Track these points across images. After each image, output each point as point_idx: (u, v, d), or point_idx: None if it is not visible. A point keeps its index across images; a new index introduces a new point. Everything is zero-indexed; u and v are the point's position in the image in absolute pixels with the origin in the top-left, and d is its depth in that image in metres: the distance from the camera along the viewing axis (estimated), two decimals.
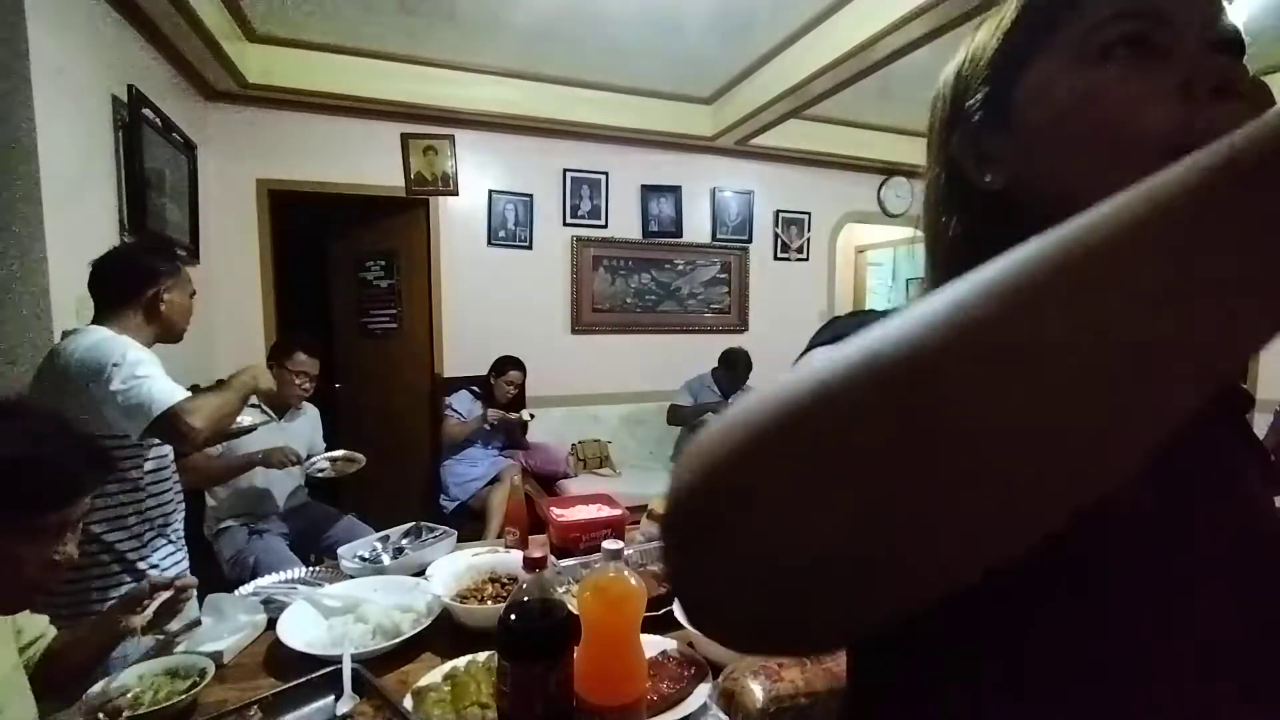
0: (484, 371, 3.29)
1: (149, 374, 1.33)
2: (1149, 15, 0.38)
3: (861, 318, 0.46)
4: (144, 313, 1.46)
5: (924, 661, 0.41)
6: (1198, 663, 0.36)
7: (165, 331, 1.51)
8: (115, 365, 1.30)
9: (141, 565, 1.43)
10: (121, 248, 1.59)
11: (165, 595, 1.02)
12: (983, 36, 0.46)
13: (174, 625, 1.06)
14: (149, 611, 0.98)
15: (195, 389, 2.57)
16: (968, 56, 0.47)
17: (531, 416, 3.30)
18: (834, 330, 0.44)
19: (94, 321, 1.43)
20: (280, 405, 2.33)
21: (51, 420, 0.90)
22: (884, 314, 0.46)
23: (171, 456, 1.56)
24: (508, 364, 3.25)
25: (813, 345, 0.45)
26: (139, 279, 1.45)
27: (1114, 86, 0.38)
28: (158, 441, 1.46)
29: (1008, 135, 0.44)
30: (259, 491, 2.25)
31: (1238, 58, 0.39)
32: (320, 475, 2.24)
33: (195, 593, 1.12)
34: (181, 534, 1.58)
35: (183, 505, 1.59)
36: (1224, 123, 0.31)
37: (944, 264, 0.48)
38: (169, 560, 1.52)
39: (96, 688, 0.91)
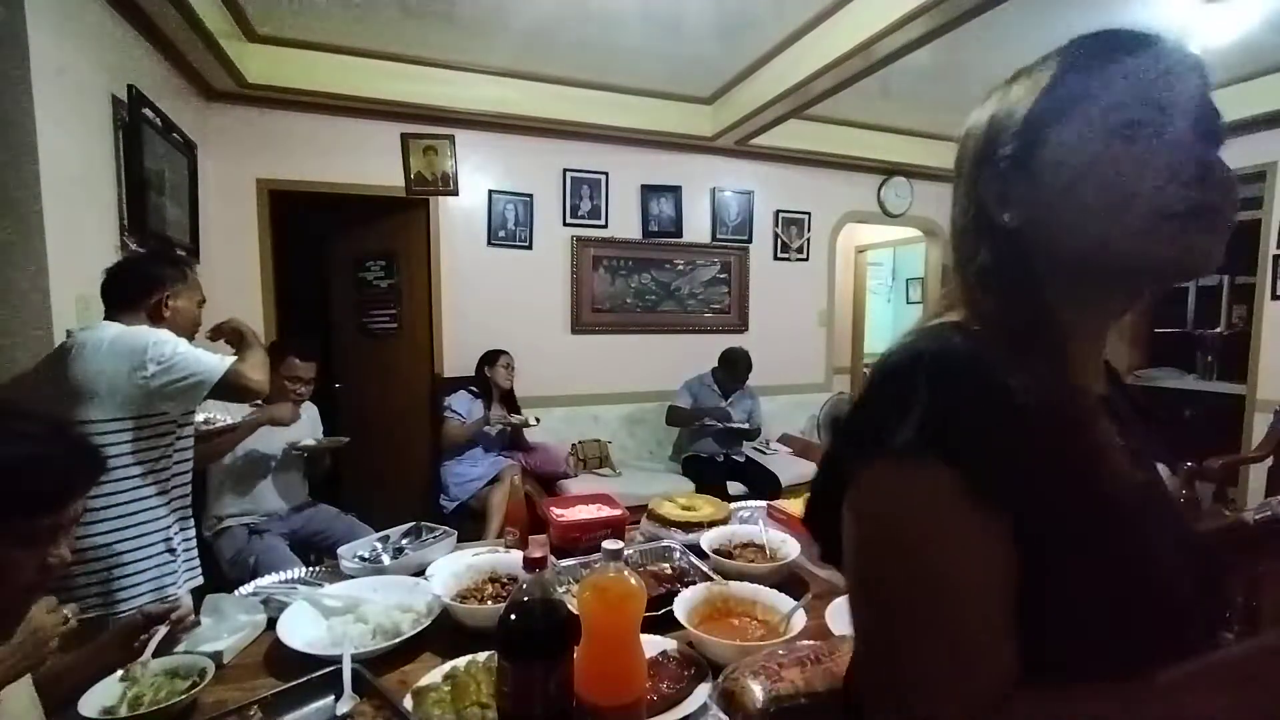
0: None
1: (187, 350, 1.43)
2: (1155, 105, 0.47)
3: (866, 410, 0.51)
4: (149, 317, 1.51)
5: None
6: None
7: None
8: (155, 345, 1.38)
9: (162, 547, 1.47)
10: (133, 255, 1.66)
11: (163, 632, 1.00)
12: (1018, 93, 0.53)
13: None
14: (148, 653, 0.95)
15: None
16: (1003, 107, 0.54)
17: (537, 421, 3.31)
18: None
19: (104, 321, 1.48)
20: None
21: (40, 421, 0.89)
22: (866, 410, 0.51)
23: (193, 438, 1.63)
24: (495, 354, 3.27)
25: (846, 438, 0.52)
26: (145, 284, 1.52)
27: (1120, 161, 0.47)
28: (204, 418, 1.65)
29: (1028, 184, 0.51)
30: (260, 491, 2.26)
31: (1218, 145, 0.49)
32: (303, 447, 2.31)
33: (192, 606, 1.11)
34: (192, 521, 1.63)
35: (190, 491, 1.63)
36: (1206, 196, 0.46)
37: (974, 286, 0.54)
38: (190, 545, 1.58)
39: (94, 698, 0.90)
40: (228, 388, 1.46)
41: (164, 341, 1.41)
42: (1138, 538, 0.48)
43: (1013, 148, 0.52)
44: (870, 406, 0.51)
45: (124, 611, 1.38)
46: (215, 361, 1.45)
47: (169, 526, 1.50)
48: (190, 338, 1.60)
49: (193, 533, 1.62)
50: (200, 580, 1.60)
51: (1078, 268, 0.51)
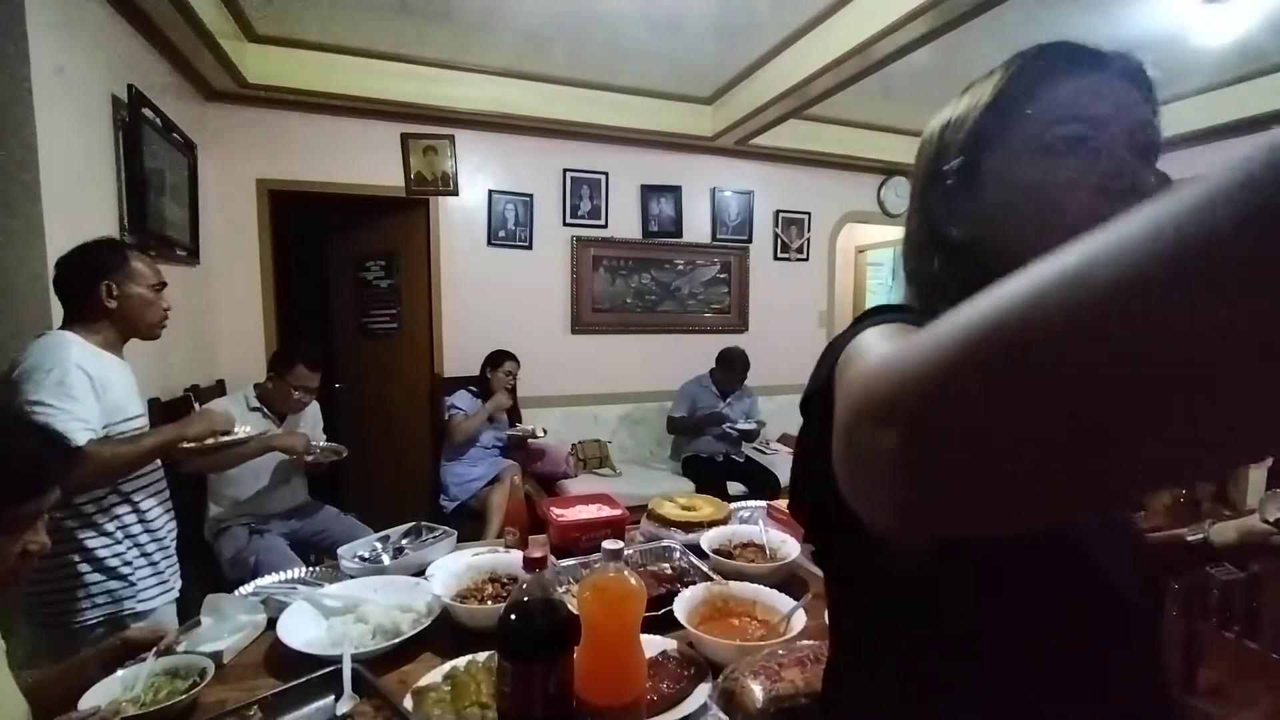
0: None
1: (63, 408, 1.28)
2: (1090, 121, 0.47)
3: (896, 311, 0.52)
4: (94, 311, 1.42)
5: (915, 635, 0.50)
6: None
7: (130, 327, 1.48)
8: (39, 379, 1.28)
9: (91, 547, 1.40)
10: (70, 250, 1.49)
11: (152, 659, 0.98)
12: (965, 106, 0.53)
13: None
14: (138, 689, 0.94)
15: (195, 389, 2.59)
16: (950, 121, 0.54)
17: (545, 432, 3.31)
18: (879, 316, 0.50)
19: (61, 326, 1.42)
20: (281, 410, 2.33)
21: (7, 415, 0.91)
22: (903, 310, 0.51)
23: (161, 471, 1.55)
24: (502, 356, 3.26)
25: (861, 325, 0.49)
26: (82, 278, 1.43)
27: (1056, 177, 0.48)
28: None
29: (973, 201, 0.52)
30: (260, 492, 2.25)
31: (1153, 160, 0.49)
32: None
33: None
34: (146, 534, 1.51)
35: (158, 506, 1.55)
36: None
37: (927, 296, 0.56)
38: (152, 564, 1.50)
39: (94, 698, 0.90)
40: None
41: (50, 381, 1.27)
42: (1086, 525, 0.50)
43: (958, 162, 0.52)
44: (836, 342, 0.51)
45: (59, 623, 1.35)
46: (66, 432, 1.21)
47: (116, 545, 1.42)
48: (154, 326, 1.52)
49: (161, 549, 1.53)
50: (175, 595, 1.55)
51: None
